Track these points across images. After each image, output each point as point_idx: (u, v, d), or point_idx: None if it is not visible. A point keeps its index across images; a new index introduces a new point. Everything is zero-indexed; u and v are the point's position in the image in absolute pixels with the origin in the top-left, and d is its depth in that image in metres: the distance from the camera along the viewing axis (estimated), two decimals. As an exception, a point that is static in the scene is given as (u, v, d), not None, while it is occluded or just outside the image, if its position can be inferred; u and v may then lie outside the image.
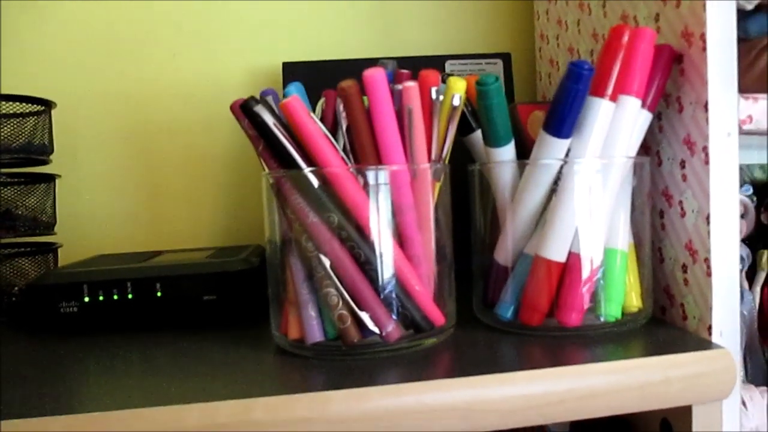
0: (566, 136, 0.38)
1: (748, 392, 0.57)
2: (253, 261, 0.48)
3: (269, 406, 0.31)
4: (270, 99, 0.40)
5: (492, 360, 0.35)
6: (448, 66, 0.61)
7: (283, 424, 0.30)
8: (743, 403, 0.56)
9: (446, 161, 0.39)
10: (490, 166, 0.41)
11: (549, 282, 0.38)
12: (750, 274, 0.64)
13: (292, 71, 0.61)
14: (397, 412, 0.31)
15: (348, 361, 0.36)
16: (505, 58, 0.62)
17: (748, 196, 0.62)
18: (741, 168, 0.66)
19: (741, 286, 0.62)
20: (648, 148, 0.44)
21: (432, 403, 0.31)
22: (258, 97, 0.39)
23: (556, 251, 0.38)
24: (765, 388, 0.58)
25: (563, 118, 0.37)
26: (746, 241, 0.63)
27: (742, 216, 0.62)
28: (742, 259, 0.63)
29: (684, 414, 0.36)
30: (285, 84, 0.60)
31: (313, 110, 0.41)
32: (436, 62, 0.62)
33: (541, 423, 0.33)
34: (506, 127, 0.39)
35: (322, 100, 0.42)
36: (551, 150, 0.38)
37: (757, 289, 0.64)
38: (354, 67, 0.63)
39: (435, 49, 0.69)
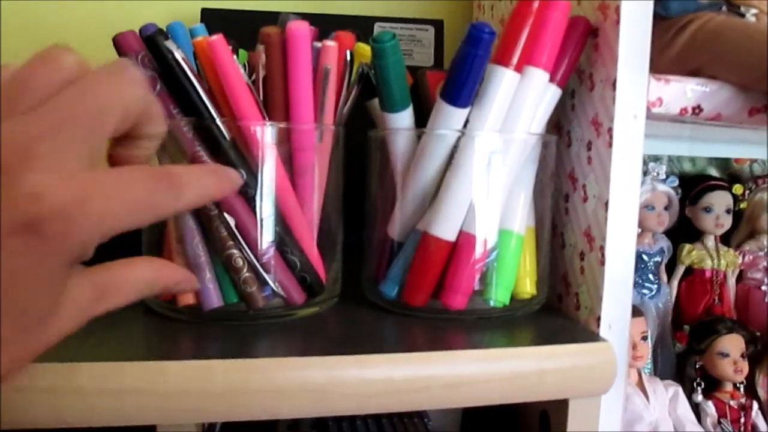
0: (464, 105, 0.35)
1: (652, 385, 0.56)
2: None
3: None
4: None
5: (360, 340, 0.33)
6: (377, 29, 0.58)
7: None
8: (646, 396, 0.55)
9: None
10: (386, 133, 0.38)
11: (435, 261, 0.36)
12: (669, 266, 0.63)
13: (212, 18, 0.57)
14: (245, 390, 0.29)
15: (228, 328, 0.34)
16: (438, 25, 0.59)
17: (674, 188, 0.60)
18: (670, 159, 0.64)
19: (659, 279, 0.62)
20: (560, 127, 0.41)
21: (282, 383, 0.29)
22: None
23: (445, 229, 0.36)
24: (671, 381, 0.58)
25: (461, 85, 0.34)
26: (668, 233, 0.62)
27: (666, 208, 0.61)
28: (662, 251, 0.62)
29: (561, 407, 0.34)
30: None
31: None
32: (365, 23, 0.58)
33: (402, 410, 0.31)
34: (403, 90, 0.36)
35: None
36: (447, 119, 0.35)
37: (675, 282, 0.62)
38: (277, 20, 0.58)
39: (365, 10, 0.65)
